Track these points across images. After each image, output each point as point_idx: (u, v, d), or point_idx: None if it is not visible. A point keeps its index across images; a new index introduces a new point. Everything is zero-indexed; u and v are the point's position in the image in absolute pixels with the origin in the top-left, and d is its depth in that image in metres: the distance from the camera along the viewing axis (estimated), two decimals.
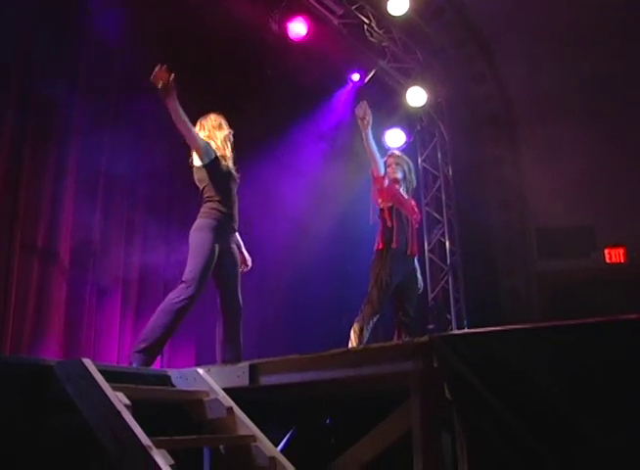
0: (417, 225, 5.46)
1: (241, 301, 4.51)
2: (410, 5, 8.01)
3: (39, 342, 5.17)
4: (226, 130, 4.69)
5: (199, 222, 4.41)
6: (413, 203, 5.53)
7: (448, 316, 8.58)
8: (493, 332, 2.90)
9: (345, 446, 3.44)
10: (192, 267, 4.27)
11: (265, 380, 3.58)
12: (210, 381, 3.61)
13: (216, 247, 4.32)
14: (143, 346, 4.11)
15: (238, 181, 4.68)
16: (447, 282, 8.77)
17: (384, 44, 8.52)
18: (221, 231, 4.39)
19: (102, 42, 6.01)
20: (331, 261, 7.95)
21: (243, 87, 7.31)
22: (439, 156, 9.22)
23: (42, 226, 5.41)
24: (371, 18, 8.21)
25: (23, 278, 5.18)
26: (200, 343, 6.46)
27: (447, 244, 8.89)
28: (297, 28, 7.63)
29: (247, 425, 3.36)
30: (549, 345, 2.65)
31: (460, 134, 9.19)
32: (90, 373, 3.10)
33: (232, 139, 4.72)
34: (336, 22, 7.96)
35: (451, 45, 9.40)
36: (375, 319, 4.96)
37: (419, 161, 9.21)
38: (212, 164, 4.46)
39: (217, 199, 4.42)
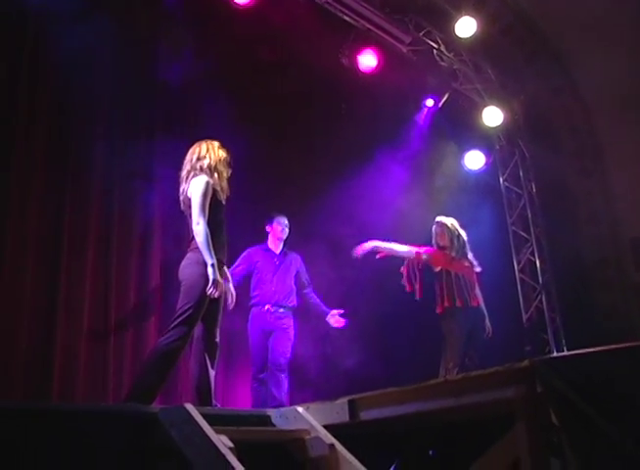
0: (472, 280, 6.06)
1: (218, 339, 4.37)
2: (477, 25, 7.96)
3: None
4: (230, 171, 4.59)
5: (190, 256, 4.28)
6: (465, 263, 6.12)
7: (545, 336, 8.33)
8: (596, 352, 2.81)
9: None
10: (185, 304, 4.11)
11: (365, 415, 3.55)
12: (310, 419, 3.60)
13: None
14: (136, 394, 3.92)
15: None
16: (541, 302, 8.52)
17: (455, 67, 8.50)
18: None
19: (174, 90, 6.18)
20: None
21: (320, 124, 7.40)
22: (521, 173, 9.04)
23: (133, 281, 5.58)
24: (439, 42, 8.21)
25: (120, 331, 5.34)
26: (294, 379, 6.47)
27: (538, 262, 8.67)
28: (368, 60, 7.68)
29: (349, 461, 3.33)
30: None
31: (541, 149, 9.00)
32: (193, 418, 3.15)
33: None
34: (405, 49, 8.00)
35: (523, 60, 9.26)
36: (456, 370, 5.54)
37: (501, 180, 9.07)
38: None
39: (210, 235, 4.22)
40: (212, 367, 4.31)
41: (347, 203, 6.87)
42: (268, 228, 6.22)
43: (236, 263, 5.94)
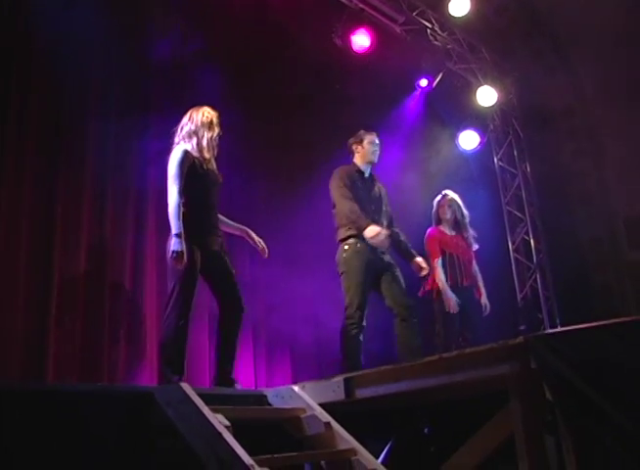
0: (467, 258, 6.01)
1: (242, 303, 4.33)
2: (472, 5, 7.91)
3: (133, 370, 5.25)
4: (216, 130, 4.49)
5: None
6: (461, 242, 6.06)
7: (539, 316, 8.37)
8: (589, 328, 2.83)
9: (446, 454, 3.40)
10: (174, 282, 4.11)
11: (361, 393, 3.58)
12: (306, 397, 3.63)
13: (196, 254, 4.14)
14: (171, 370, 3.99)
15: (220, 182, 4.54)
16: (535, 281, 8.55)
17: (449, 46, 8.43)
18: (198, 237, 4.18)
19: (168, 67, 6.13)
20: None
21: (313, 104, 7.36)
22: (516, 153, 9.02)
23: (129, 261, 5.55)
24: (433, 21, 8.14)
25: (115, 304, 5.31)
26: (295, 360, 6.49)
27: (532, 242, 8.68)
28: (361, 40, 7.62)
29: (346, 439, 3.36)
30: None
31: (535, 129, 8.99)
32: (189, 397, 3.18)
33: (218, 141, 4.52)
34: (398, 29, 7.94)
35: (518, 40, 9.23)
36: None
37: (495, 160, 9.06)
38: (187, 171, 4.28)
39: (191, 203, 4.23)
40: (235, 335, 4.28)
41: None
42: (356, 148, 5.31)
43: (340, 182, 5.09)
